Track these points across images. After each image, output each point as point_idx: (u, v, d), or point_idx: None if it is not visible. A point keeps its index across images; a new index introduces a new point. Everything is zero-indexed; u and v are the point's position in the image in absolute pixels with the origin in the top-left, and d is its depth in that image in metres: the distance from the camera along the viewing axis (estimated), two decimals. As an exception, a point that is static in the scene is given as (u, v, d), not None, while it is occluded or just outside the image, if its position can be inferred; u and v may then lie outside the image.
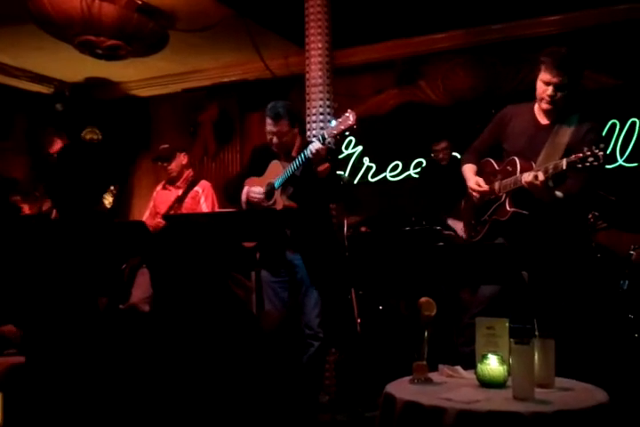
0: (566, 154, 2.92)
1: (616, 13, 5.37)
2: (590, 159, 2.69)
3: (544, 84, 3.02)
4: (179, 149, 4.89)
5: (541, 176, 2.84)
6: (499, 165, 3.23)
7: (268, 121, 3.66)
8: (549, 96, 3.00)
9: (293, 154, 3.68)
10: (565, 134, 3.02)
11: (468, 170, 3.35)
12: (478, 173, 3.31)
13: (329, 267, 3.78)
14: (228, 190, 4.01)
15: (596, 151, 2.69)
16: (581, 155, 2.72)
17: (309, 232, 3.64)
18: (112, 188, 7.33)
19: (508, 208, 3.05)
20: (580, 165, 2.73)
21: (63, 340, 2.92)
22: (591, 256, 4.16)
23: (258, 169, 3.80)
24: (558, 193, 2.93)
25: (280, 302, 3.70)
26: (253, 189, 3.69)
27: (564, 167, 2.78)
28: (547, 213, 3.01)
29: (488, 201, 3.20)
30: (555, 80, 2.97)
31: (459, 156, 5.37)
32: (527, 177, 2.89)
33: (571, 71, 2.98)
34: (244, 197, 3.74)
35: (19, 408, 3.01)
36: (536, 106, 3.15)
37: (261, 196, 3.64)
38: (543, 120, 3.14)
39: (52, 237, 3.34)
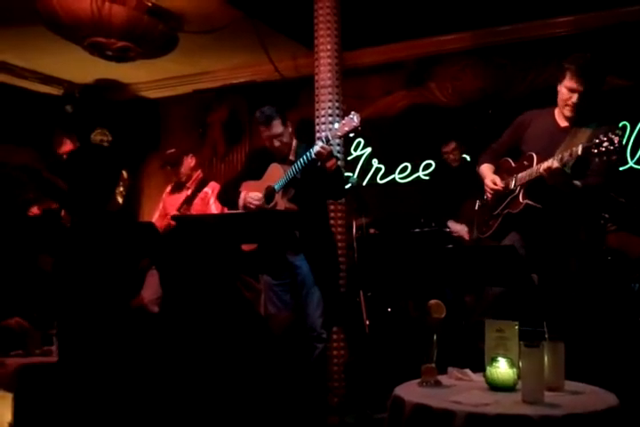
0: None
1: (626, 15, 5.35)
2: (605, 144, 2.68)
3: (569, 91, 3.04)
4: (185, 152, 4.89)
5: (556, 163, 2.86)
6: (515, 163, 3.25)
7: (262, 128, 3.70)
8: (573, 104, 3.03)
9: (291, 157, 3.69)
10: (583, 136, 3.02)
11: (486, 169, 3.38)
12: (495, 172, 3.34)
13: (332, 265, 3.80)
14: (224, 195, 3.97)
15: (611, 136, 2.68)
16: (597, 140, 2.71)
17: (314, 232, 3.65)
18: (122, 189, 7.35)
19: (521, 200, 3.07)
20: (595, 150, 2.71)
21: (93, 342, 2.94)
22: (602, 257, 4.14)
23: (255, 172, 3.79)
24: (577, 182, 2.94)
25: (283, 304, 3.70)
26: (251, 195, 3.67)
27: (580, 153, 2.78)
28: (561, 207, 3.01)
29: (502, 195, 3.21)
30: (580, 88, 2.99)
31: (468, 158, 5.36)
32: (545, 165, 2.91)
33: (595, 78, 3.00)
34: (241, 202, 3.72)
35: (29, 409, 3.02)
36: (556, 110, 3.18)
37: (259, 202, 3.64)
38: (563, 123, 3.17)
39: (65, 237, 3.35)
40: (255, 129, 6.90)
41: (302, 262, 3.62)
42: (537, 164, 3.02)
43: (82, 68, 6.54)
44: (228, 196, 3.87)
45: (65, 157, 5.28)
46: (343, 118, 3.52)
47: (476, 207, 3.59)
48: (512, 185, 3.16)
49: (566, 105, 3.07)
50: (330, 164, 3.46)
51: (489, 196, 3.30)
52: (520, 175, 3.11)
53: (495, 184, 3.22)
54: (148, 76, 7.06)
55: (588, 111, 3.09)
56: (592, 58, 3.02)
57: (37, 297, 3.93)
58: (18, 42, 5.89)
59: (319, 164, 3.44)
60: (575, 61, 3.01)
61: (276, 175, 3.64)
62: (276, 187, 3.61)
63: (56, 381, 3.02)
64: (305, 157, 3.45)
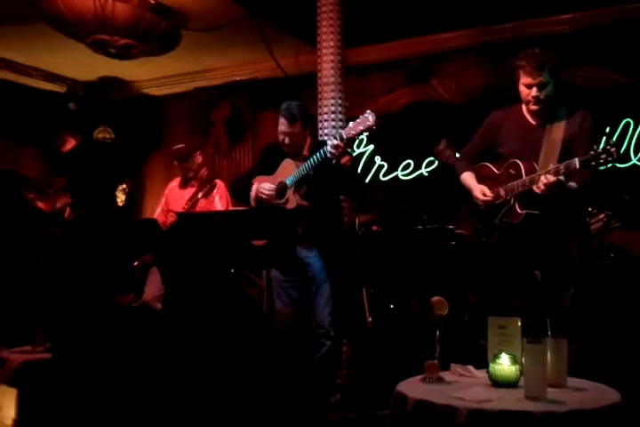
0: (564, 149, 2.98)
1: (629, 11, 5.33)
2: (603, 156, 2.71)
3: (526, 88, 3.08)
4: (194, 148, 4.89)
5: (552, 177, 2.86)
6: (498, 169, 3.25)
7: (282, 121, 3.65)
8: (534, 97, 3.06)
9: (305, 153, 3.69)
10: (559, 130, 3.05)
11: (469, 178, 3.35)
12: (476, 179, 3.32)
13: (343, 263, 3.79)
14: (235, 188, 4.00)
15: (609, 148, 2.70)
16: (593, 153, 2.73)
17: (327, 229, 3.64)
18: (124, 186, 7.37)
19: (519, 211, 3.06)
20: (593, 163, 2.74)
21: (82, 337, 2.95)
22: (603, 253, 4.16)
23: (268, 167, 3.80)
24: (572, 184, 2.94)
25: (290, 300, 3.71)
26: (263, 186, 3.69)
27: (577, 166, 2.80)
28: (557, 209, 3.02)
29: (495, 205, 3.20)
30: (535, 81, 3.04)
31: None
32: (540, 184, 2.90)
33: (547, 69, 3.03)
34: (253, 193, 3.74)
35: (33, 405, 3.03)
36: (524, 107, 3.19)
37: (271, 192, 3.65)
38: (533, 120, 3.18)
39: (67, 234, 3.36)
40: (258, 126, 6.96)
41: (313, 259, 3.62)
42: (525, 172, 3.03)
43: (85, 65, 6.55)
44: (239, 189, 3.88)
45: (67, 153, 5.28)
46: (348, 115, 3.50)
47: (462, 212, 3.58)
48: (503, 195, 3.14)
49: (529, 101, 3.10)
50: (344, 160, 3.44)
51: (481, 206, 3.27)
52: (510, 185, 3.10)
53: (485, 195, 3.20)
54: (151, 74, 7.07)
55: (555, 104, 3.12)
56: (539, 51, 3.07)
57: (39, 293, 3.94)
58: (21, 39, 5.90)
59: (334, 161, 3.42)
60: (524, 58, 3.07)
61: (289, 171, 3.63)
62: (287, 182, 3.61)
63: (57, 377, 3.03)
64: (318, 153, 3.43)
